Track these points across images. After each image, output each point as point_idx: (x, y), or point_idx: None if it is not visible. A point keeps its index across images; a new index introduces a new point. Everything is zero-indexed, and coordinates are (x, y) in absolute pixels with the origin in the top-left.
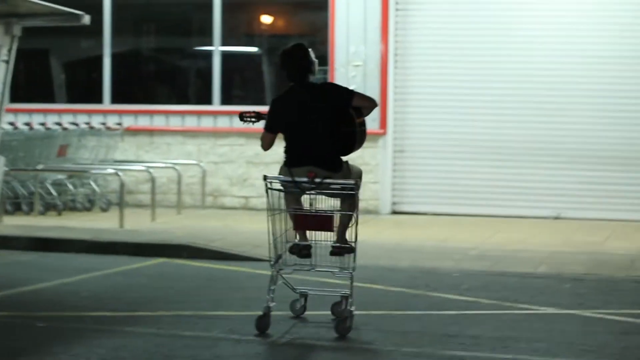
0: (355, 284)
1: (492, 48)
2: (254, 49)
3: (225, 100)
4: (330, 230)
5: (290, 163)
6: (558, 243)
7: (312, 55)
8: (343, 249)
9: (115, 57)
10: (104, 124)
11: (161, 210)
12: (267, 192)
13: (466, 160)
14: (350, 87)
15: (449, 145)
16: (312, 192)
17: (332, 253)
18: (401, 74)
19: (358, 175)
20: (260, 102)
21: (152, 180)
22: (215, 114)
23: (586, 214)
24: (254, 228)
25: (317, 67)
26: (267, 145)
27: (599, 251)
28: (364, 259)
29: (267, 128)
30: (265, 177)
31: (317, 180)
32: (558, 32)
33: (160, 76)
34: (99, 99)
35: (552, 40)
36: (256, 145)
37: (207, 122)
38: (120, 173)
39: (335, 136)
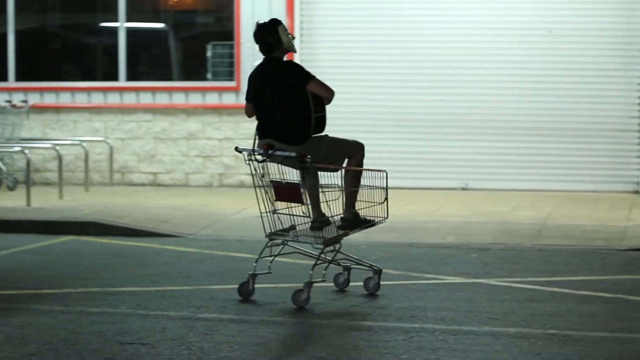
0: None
1: (399, 22)
2: (159, 25)
3: (131, 77)
4: (299, 201)
5: (258, 134)
6: (466, 214)
7: (283, 32)
8: (320, 222)
9: (19, 34)
10: (9, 101)
11: (69, 188)
12: (248, 164)
13: (372, 132)
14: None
15: (355, 118)
16: (274, 162)
17: (311, 228)
18: (307, 47)
19: (338, 149)
20: (167, 78)
21: (59, 158)
22: (121, 90)
23: (494, 184)
24: (162, 204)
25: (287, 44)
26: (247, 112)
27: (506, 221)
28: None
29: (245, 97)
30: (236, 149)
31: (270, 152)
32: (464, 5)
33: (66, 53)
34: (3, 77)
35: (458, 13)
36: (163, 122)
37: (113, 99)
38: (26, 151)
39: (292, 111)
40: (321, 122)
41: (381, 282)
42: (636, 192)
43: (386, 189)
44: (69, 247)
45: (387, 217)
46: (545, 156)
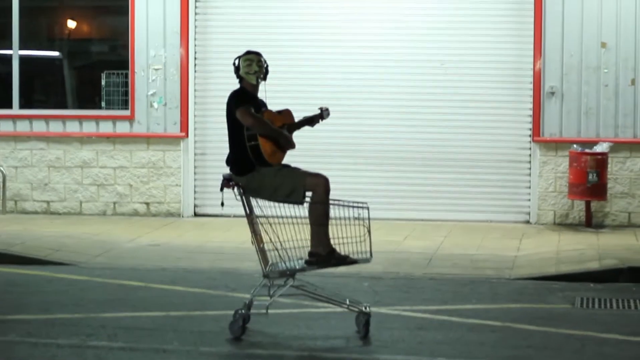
0: (155, 285)
1: (291, 52)
2: (54, 53)
3: (25, 104)
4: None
5: None
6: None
7: (243, 62)
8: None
9: None
10: None
11: None
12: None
13: None
14: (152, 95)
15: None
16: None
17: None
18: (202, 77)
19: (291, 181)
20: (62, 106)
21: None
22: (14, 117)
23: (386, 214)
24: (55, 232)
25: (243, 74)
26: None
27: (397, 250)
28: (165, 261)
29: None
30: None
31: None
32: (358, 38)
33: None
34: None
35: (352, 45)
36: (57, 150)
37: (6, 127)
38: None
39: (232, 141)
40: (255, 152)
41: (270, 311)
42: (527, 222)
43: (368, 224)
44: None
45: (370, 256)
46: (438, 186)
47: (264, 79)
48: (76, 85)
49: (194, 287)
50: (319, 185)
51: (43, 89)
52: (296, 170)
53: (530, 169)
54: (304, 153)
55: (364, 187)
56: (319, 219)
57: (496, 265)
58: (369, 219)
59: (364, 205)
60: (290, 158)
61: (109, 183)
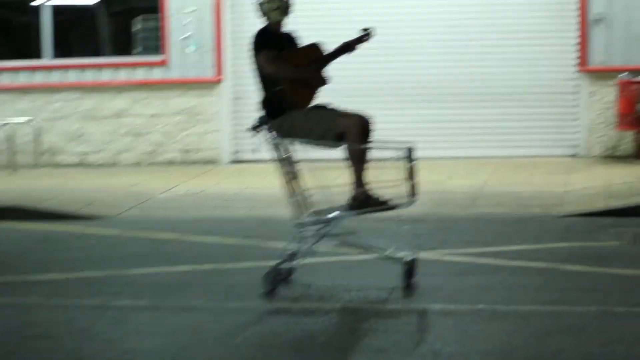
0: (188, 237)
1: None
2: (85, 0)
3: (56, 54)
4: None
5: None
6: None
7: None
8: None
9: None
10: None
11: None
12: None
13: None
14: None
15: None
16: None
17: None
18: (237, 18)
19: (324, 123)
20: (94, 54)
21: None
22: (46, 68)
23: (429, 152)
24: (89, 185)
25: (266, 13)
26: None
27: (441, 190)
28: (200, 210)
29: None
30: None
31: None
32: None
33: None
34: None
35: None
36: (90, 99)
37: (38, 78)
38: None
39: (260, 84)
40: (282, 96)
41: (304, 261)
42: (575, 155)
43: (410, 165)
44: None
45: (413, 199)
46: (482, 122)
47: (287, 13)
48: (108, 32)
49: (228, 237)
50: (352, 125)
51: (74, 37)
52: (329, 110)
53: (577, 100)
54: (344, 93)
55: (406, 125)
56: (355, 162)
57: (543, 203)
58: (411, 160)
59: (404, 145)
60: (330, 98)
61: (145, 132)
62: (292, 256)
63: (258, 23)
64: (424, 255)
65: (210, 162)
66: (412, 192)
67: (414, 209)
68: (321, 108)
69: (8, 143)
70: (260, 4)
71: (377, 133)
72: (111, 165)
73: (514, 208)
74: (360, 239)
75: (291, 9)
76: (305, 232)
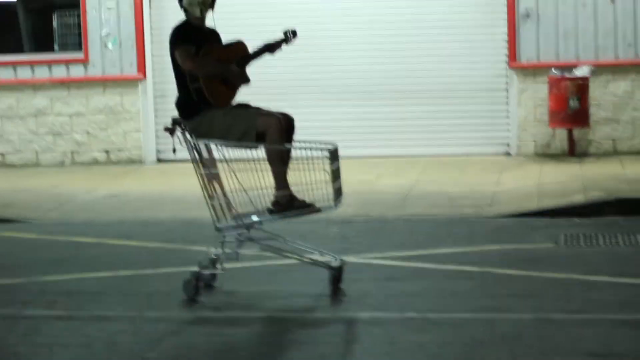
0: (109, 240)
1: None
2: None
3: None
4: None
5: None
6: None
7: None
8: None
9: None
10: None
11: None
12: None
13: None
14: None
15: None
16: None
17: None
18: (157, 14)
19: (242, 123)
20: (12, 51)
21: None
22: None
23: (357, 151)
24: (7, 186)
25: (186, 4)
26: None
27: (370, 190)
28: (122, 212)
29: None
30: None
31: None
32: None
33: None
34: None
35: None
36: (8, 98)
37: None
38: None
39: (177, 82)
40: (199, 94)
41: (228, 266)
42: (507, 153)
43: (334, 166)
44: None
45: (334, 204)
46: (411, 119)
47: (212, 6)
48: (27, 29)
49: (151, 240)
50: (272, 125)
51: None
52: (249, 109)
53: (507, 97)
54: (267, 91)
55: (332, 124)
56: (276, 163)
57: (474, 203)
58: (335, 160)
59: (327, 146)
60: (251, 97)
61: (66, 131)
62: (214, 262)
63: (181, 18)
64: (351, 259)
65: (134, 161)
66: (337, 194)
67: (342, 210)
68: (241, 107)
69: None
70: None
71: (301, 132)
72: (33, 165)
73: (445, 208)
74: (284, 243)
75: (213, 3)
76: (226, 237)
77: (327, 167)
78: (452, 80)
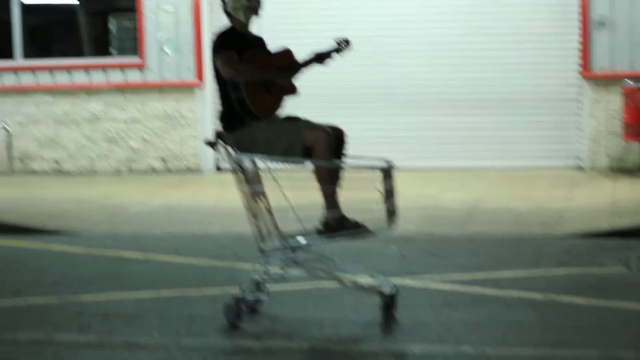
0: (156, 256)
1: None
2: None
3: (28, 54)
4: None
5: None
6: None
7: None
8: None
9: None
10: None
11: None
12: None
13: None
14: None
15: None
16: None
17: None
18: (218, 18)
19: (286, 137)
20: (68, 55)
21: None
22: (17, 70)
23: (423, 163)
24: (59, 195)
25: (231, 10)
26: None
27: (433, 205)
28: (174, 224)
29: None
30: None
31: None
32: None
33: None
34: None
35: None
36: (64, 103)
37: (9, 80)
38: None
39: (219, 92)
40: (241, 104)
41: (276, 288)
42: (578, 167)
43: (389, 184)
44: None
45: (388, 226)
46: (478, 130)
47: (257, 12)
48: (84, 32)
49: (199, 256)
50: (319, 139)
51: (47, 36)
52: (295, 121)
53: (579, 108)
54: (329, 99)
55: (397, 134)
56: (323, 181)
57: (542, 220)
58: (388, 178)
59: (381, 162)
60: (312, 104)
61: (121, 138)
62: (258, 285)
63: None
64: (408, 281)
65: (192, 170)
66: (391, 215)
67: (403, 228)
68: (287, 119)
69: None
70: (224, 2)
71: (362, 143)
72: (88, 173)
73: (511, 226)
74: (335, 265)
75: (260, 8)
76: (270, 259)
77: (380, 185)
78: (521, 90)
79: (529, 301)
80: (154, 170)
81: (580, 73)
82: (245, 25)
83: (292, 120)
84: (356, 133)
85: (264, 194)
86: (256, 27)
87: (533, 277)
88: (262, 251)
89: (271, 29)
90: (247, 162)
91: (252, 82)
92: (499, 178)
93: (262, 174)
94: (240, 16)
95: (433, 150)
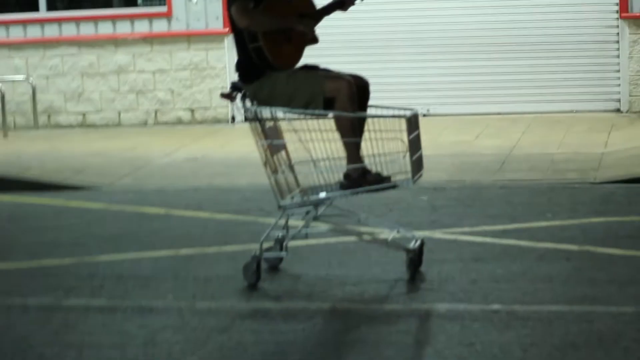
0: (178, 212)
1: None
2: None
3: (52, 6)
4: None
5: None
6: (423, 145)
7: None
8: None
9: None
10: None
11: None
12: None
13: (319, 55)
14: None
15: None
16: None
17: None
18: None
19: (307, 86)
20: (92, 5)
21: None
22: (41, 21)
23: (458, 108)
24: (84, 149)
25: None
26: None
27: (466, 152)
28: (199, 177)
29: None
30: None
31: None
32: None
33: None
34: None
35: None
36: (89, 55)
37: (33, 32)
38: None
39: (236, 42)
40: (259, 54)
41: (298, 244)
42: (617, 110)
43: (409, 137)
44: None
45: (415, 177)
46: (514, 74)
47: None
48: None
49: (223, 211)
50: (341, 89)
51: None
52: (316, 72)
53: (618, 49)
54: (360, 44)
55: (430, 79)
56: (345, 133)
57: (579, 167)
58: (414, 128)
59: (405, 112)
60: (341, 51)
61: (148, 89)
62: (279, 242)
63: None
64: (437, 234)
65: (221, 121)
66: (417, 168)
67: (435, 175)
68: (308, 69)
69: (2, 103)
70: None
71: (396, 89)
72: (114, 125)
73: (547, 173)
74: (359, 220)
75: None
76: (291, 215)
77: (404, 136)
78: (558, 32)
79: (563, 253)
80: (181, 122)
81: (619, 14)
82: None
83: (312, 69)
84: (388, 79)
85: (284, 148)
86: None
87: (568, 227)
88: (282, 207)
89: None
90: (265, 115)
91: (270, 31)
92: (535, 123)
93: (281, 126)
94: None
95: (467, 96)
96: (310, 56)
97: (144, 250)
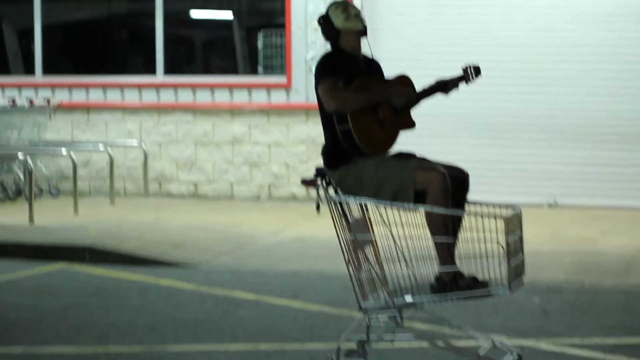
0: (269, 299)
1: (467, 13)
2: (201, 11)
3: (169, 70)
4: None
5: None
6: (542, 239)
7: (334, 13)
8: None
9: (47, 26)
10: (30, 100)
11: (95, 200)
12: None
13: (442, 138)
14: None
15: (421, 122)
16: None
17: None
18: (370, 36)
19: (396, 176)
20: (210, 72)
21: (73, 164)
22: (158, 86)
23: (587, 200)
24: (188, 222)
25: (344, 25)
26: None
27: (589, 250)
28: (302, 260)
29: None
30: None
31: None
32: None
33: (98, 45)
34: (30, 71)
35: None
36: (205, 123)
37: (149, 97)
38: (28, 158)
39: (323, 124)
40: (347, 138)
41: (395, 343)
42: None
43: (507, 239)
44: (47, 280)
45: (510, 286)
46: None
47: (365, 32)
48: (228, 49)
49: (317, 301)
50: (433, 182)
51: (189, 52)
52: (408, 160)
53: None
54: (483, 127)
55: (557, 168)
56: (435, 230)
57: None
58: (513, 229)
59: (506, 211)
60: (461, 133)
61: (263, 162)
62: (361, 345)
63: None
64: (543, 345)
65: None
66: (516, 274)
67: (553, 274)
68: (400, 157)
69: (111, 168)
70: (326, 22)
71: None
72: (226, 197)
73: None
74: (449, 326)
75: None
76: (374, 318)
77: (502, 238)
78: None
79: None
80: (295, 198)
81: None
82: (357, 40)
83: (405, 157)
84: (512, 165)
85: (371, 243)
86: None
87: None
88: (364, 310)
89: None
90: (351, 206)
91: (362, 111)
92: None
93: (370, 219)
94: (357, 25)
95: (597, 188)
96: (427, 136)
97: (221, 341)
